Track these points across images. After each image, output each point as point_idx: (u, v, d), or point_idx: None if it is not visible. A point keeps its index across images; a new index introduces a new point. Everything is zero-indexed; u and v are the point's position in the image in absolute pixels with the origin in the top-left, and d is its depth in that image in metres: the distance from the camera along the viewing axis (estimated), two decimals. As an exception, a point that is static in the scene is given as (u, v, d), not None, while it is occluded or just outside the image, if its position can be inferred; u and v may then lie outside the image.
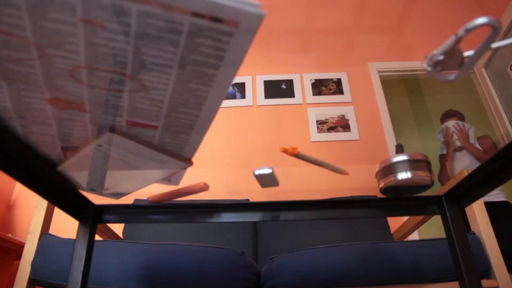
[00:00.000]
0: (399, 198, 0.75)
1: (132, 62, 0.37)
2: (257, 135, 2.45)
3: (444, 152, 2.46)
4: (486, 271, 1.04)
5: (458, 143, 2.35)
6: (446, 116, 2.51)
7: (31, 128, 0.48)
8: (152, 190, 2.00)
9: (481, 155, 2.22)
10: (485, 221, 1.10)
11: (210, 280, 0.96)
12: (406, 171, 0.69)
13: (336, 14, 2.98)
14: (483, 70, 2.76)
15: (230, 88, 2.56)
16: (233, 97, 2.61)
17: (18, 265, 1.81)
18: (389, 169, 0.71)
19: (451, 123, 2.42)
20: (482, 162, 2.28)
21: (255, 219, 0.75)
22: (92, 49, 0.35)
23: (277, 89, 2.64)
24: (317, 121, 2.49)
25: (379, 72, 2.72)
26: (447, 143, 2.40)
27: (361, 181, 2.26)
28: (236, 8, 0.31)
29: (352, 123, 2.47)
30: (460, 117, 2.48)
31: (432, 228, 3.30)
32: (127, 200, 1.80)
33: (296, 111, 2.55)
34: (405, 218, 2.03)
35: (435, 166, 2.67)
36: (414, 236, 2.10)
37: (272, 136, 2.45)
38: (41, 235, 1.07)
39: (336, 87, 2.64)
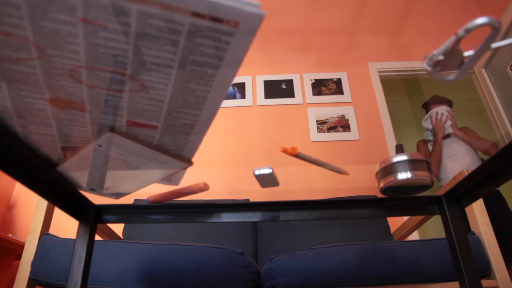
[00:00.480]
0: (399, 198, 0.75)
1: (132, 62, 0.37)
2: (257, 135, 2.45)
3: (431, 138, 2.40)
4: (486, 271, 1.04)
5: (450, 130, 2.29)
6: (436, 101, 2.44)
7: (31, 128, 0.48)
8: (152, 190, 2.00)
9: (475, 141, 2.21)
10: (485, 221, 1.10)
11: (210, 280, 0.96)
12: (406, 171, 0.69)
13: (336, 14, 2.98)
14: (483, 70, 2.76)
15: (230, 88, 2.56)
16: (233, 97, 2.61)
17: (18, 265, 1.82)
18: (389, 169, 0.71)
19: (443, 109, 2.36)
20: (474, 147, 2.25)
21: (255, 219, 0.75)
22: (92, 49, 0.35)
23: (277, 89, 2.64)
24: (317, 121, 2.49)
25: (379, 72, 2.72)
26: (438, 128, 2.31)
27: (361, 181, 2.26)
28: (236, 8, 0.31)
29: (352, 123, 2.47)
30: (450, 104, 2.45)
31: (432, 228, 3.30)
32: (127, 200, 1.80)
33: (296, 111, 2.55)
34: (405, 218, 2.03)
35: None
36: (414, 236, 2.10)
37: (272, 136, 2.45)
38: (41, 235, 1.07)
39: (336, 87, 2.64)
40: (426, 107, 2.53)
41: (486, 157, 2.56)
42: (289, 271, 1.00)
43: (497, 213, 1.94)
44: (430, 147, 2.40)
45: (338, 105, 2.55)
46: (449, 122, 2.31)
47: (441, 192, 0.79)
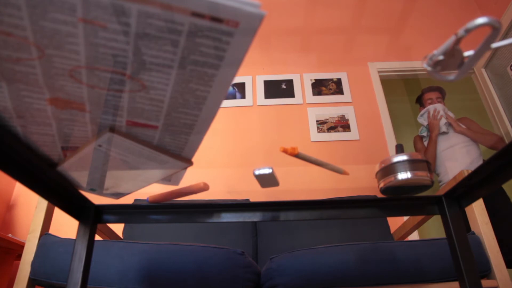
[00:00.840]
0: (399, 198, 0.75)
1: (132, 62, 0.37)
2: (257, 135, 2.45)
3: (424, 134, 2.40)
4: (486, 271, 1.04)
5: (444, 128, 2.28)
6: (428, 90, 2.45)
7: (31, 128, 0.48)
8: (152, 190, 2.00)
9: (479, 136, 2.19)
10: (485, 221, 1.10)
11: (210, 280, 0.96)
12: (406, 171, 0.69)
13: (336, 14, 2.98)
14: (483, 70, 2.76)
15: (230, 88, 2.56)
16: (233, 97, 2.61)
17: (18, 265, 1.81)
18: (389, 169, 0.71)
19: (440, 106, 2.35)
20: (478, 142, 2.20)
21: (255, 219, 0.75)
22: (92, 49, 0.35)
23: (277, 89, 2.64)
24: (317, 121, 2.49)
25: (379, 72, 2.72)
26: (433, 125, 2.30)
27: (361, 181, 2.26)
28: (236, 8, 0.31)
29: (352, 123, 2.47)
30: (443, 92, 2.45)
31: (432, 228, 3.30)
32: (127, 200, 1.80)
33: (296, 111, 2.55)
34: (405, 218, 2.03)
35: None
36: (414, 236, 2.10)
37: (272, 136, 2.45)
38: (41, 235, 1.07)
39: (336, 87, 2.64)
40: (420, 101, 2.53)
41: (487, 149, 2.51)
42: (289, 271, 1.00)
43: (499, 209, 1.92)
44: (425, 143, 2.39)
45: (338, 105, 2.55)
46: (443, 120, 2.30)
47: (441, 192, 0.79)
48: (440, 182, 2.27)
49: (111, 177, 0.62)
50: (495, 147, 2.16)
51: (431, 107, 2.38)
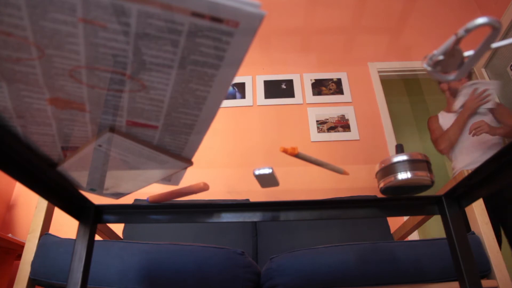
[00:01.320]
0: (399, 198, 0.75)
1: (132, 62, 0.37)
2: (257, 135, 2.45)
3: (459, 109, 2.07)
4: (486, 271, 1.04)
5: (479, 110, 1.99)
6: None
7: (31, 128, 0.48)
8: (152, 190, 2.00)
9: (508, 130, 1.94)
10: (485, 221, 1.10)
11: (210, 280, 0.96)
12: (406, 171, 0.69)
13: (336, 14, 2.98)
14: (483, 70, 2.76)
15: (230, 88, 2.56)
16: (233, 97, 2.61)
17: (18, 265, 1.81)
18: (389, 169, 0.71)
19: (492, 84, 2.00)
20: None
21: (255, 219, 0.75)
22: (92, 49, 0.35)
23: (277, 89, 2.64)
24: (317, 121, 2.49)
25: (379, 72, 2.72)
26: (473, 105, 1.98)
27: (361, 181, 2.26)
28: (236, 8, 0.31)
29: (352, 123, 2.47)
30: (471, 77, 2.24)
31: (432, 228, 3.30)
32: (127, 200, 1.80)
33: (296, 111, 2.55)
34: (405, 218, 2.03)
35: (435, 166, 2.65)
36: (414, 236, 2.10)
37: (272, 136, 2.45)
38: (41, 235, 1.07)
39: (336, 87, 2.64)
40: None
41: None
42: (289, 271, 1.00)
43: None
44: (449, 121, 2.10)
45: (338, 105, 2.55)
46: (487, 104, 2.01)
47: (441, 192, 0.79)
48: (453, 169, 2.09)
49: (111, 177, 0.62)
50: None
51: (479, 82, 2.04)
